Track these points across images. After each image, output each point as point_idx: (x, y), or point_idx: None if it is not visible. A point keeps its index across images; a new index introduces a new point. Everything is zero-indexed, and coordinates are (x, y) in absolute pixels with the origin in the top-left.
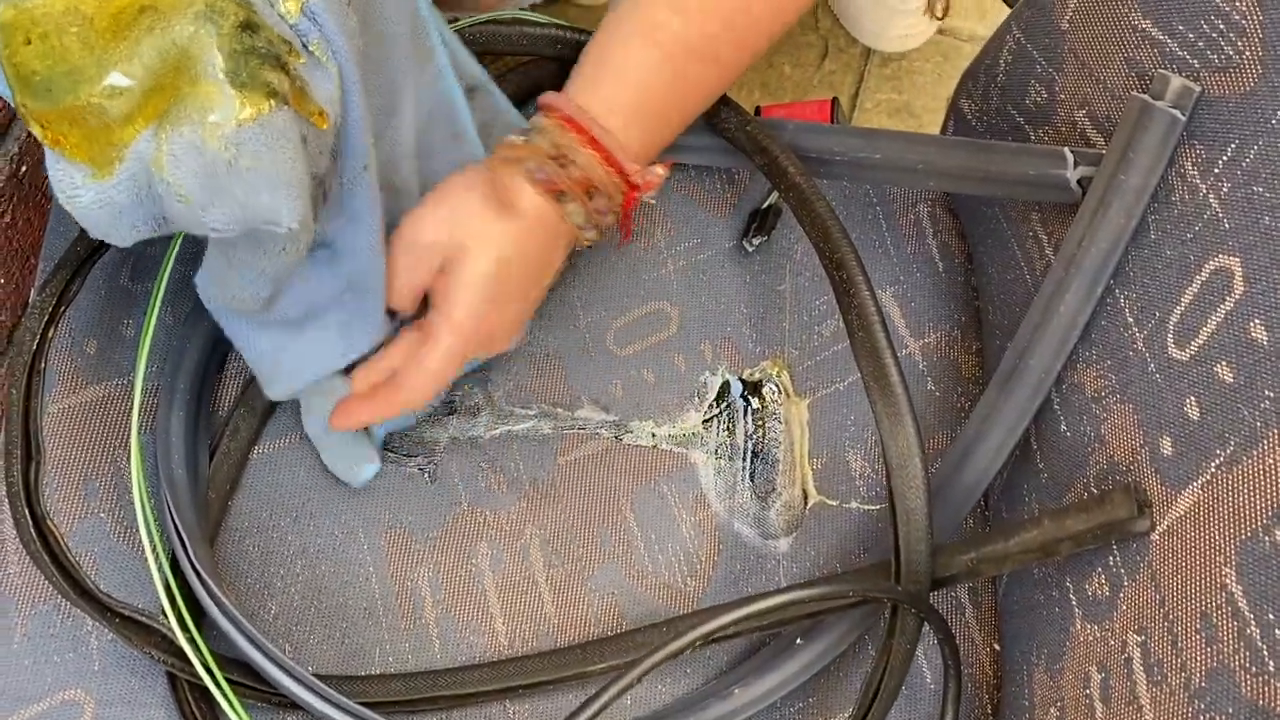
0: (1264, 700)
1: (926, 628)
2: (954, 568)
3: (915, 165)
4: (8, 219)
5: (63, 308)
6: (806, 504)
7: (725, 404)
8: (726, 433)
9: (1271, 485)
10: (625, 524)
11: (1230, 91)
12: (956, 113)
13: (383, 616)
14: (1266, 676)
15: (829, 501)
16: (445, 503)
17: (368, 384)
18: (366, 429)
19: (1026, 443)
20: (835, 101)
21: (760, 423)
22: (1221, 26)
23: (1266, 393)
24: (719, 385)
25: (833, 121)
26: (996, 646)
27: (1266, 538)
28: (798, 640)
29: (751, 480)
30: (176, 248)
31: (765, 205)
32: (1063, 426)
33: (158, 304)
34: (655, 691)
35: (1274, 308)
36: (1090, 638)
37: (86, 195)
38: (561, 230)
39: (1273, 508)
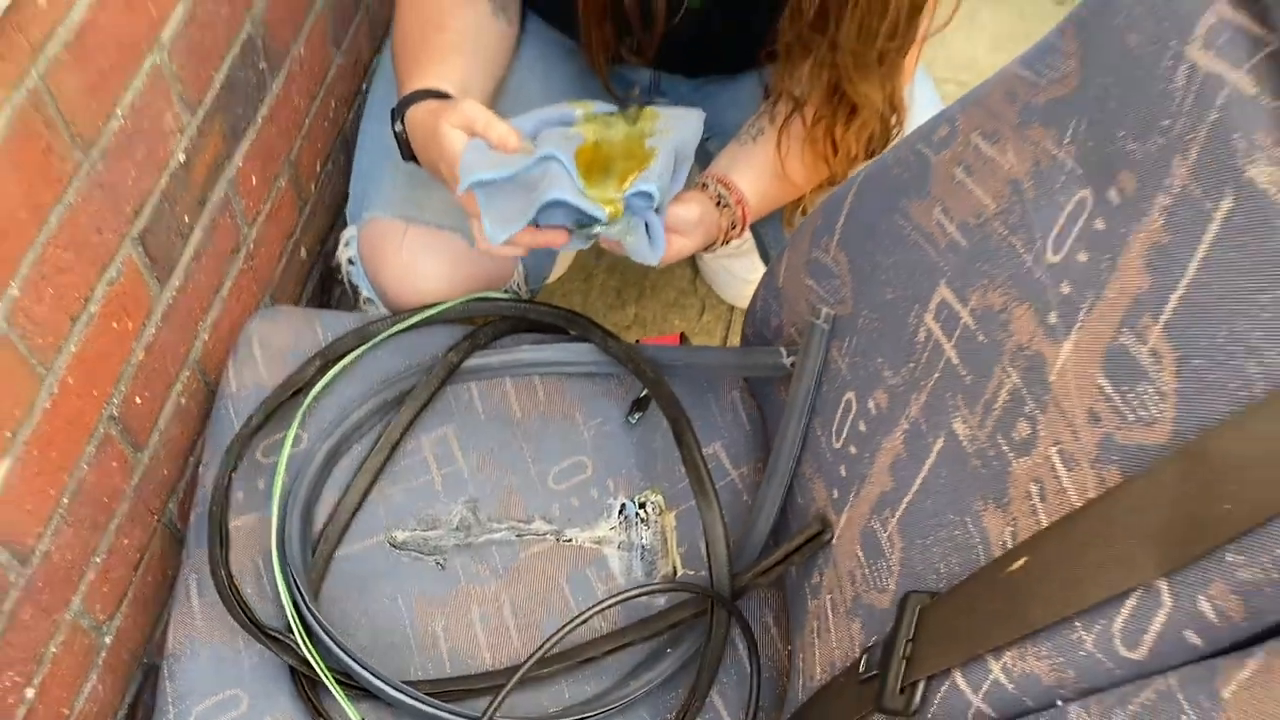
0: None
1: (739, 637)
2: (743, 581)
3: (713, 363)
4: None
5: (230, 474)
6: (675, 575)
7: (624, 517)
8: (625, 535)
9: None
10: (563, 593)
11: (843, 313)
12: (743, 336)
13: (415, 648)
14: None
15: (689, 572)
16: (451, 582)
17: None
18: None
19: (783, 510)
20: (683, 335)
21: (646, 528)
22: (835, 283)
23: (883, 442)
24: (619, 506)
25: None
26: (788, 647)
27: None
28: (668, 650)
29: (642, 562)
30: (287, 448)
31: (641, 395)
32: (798, 500)
33: (282, 470)
34: (582, 689)
35: (868, 413)
36: (819, 610)
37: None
38: (723, 223)
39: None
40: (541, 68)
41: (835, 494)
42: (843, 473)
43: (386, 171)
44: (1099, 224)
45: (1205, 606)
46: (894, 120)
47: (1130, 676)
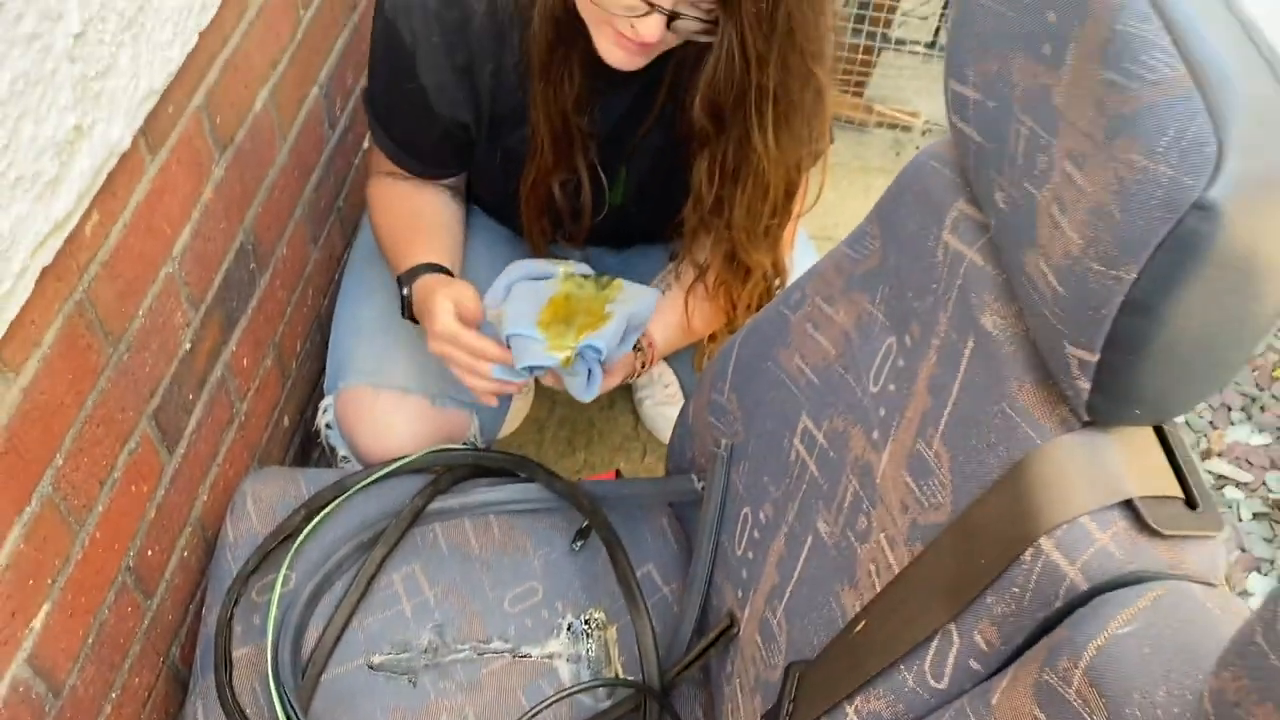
0: None
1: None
2: (670, 676)
3: (640, 493)
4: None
5: (231, 610)
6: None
7: (571, 633)
8: (573, 648)
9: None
10: (520, 702)
11: (738, 442)
12: (666, 468)
13: None
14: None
15: (628, 676)
16: (422, 697)
17: None
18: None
19: (703, 612)
20: (618, 471)
21: (591, 641)
22: (730, 418)
23: (771, 545)
24: (567, 624)
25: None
26: None
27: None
28: None
29: (589, 671)
30: (278, 588)
31: (583, 526)
32: (714, 602)
33: (274, 606)
34: None
35: (760, 522)
36: (732, 694)
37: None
38: (636, 364)
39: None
40: (488, 255)
41: (740, 594)
42: (744, 575)
43: (359, 346)
44: (900, 362)
45: (979, 639)
46: (777, 282)
47: (940, 703)
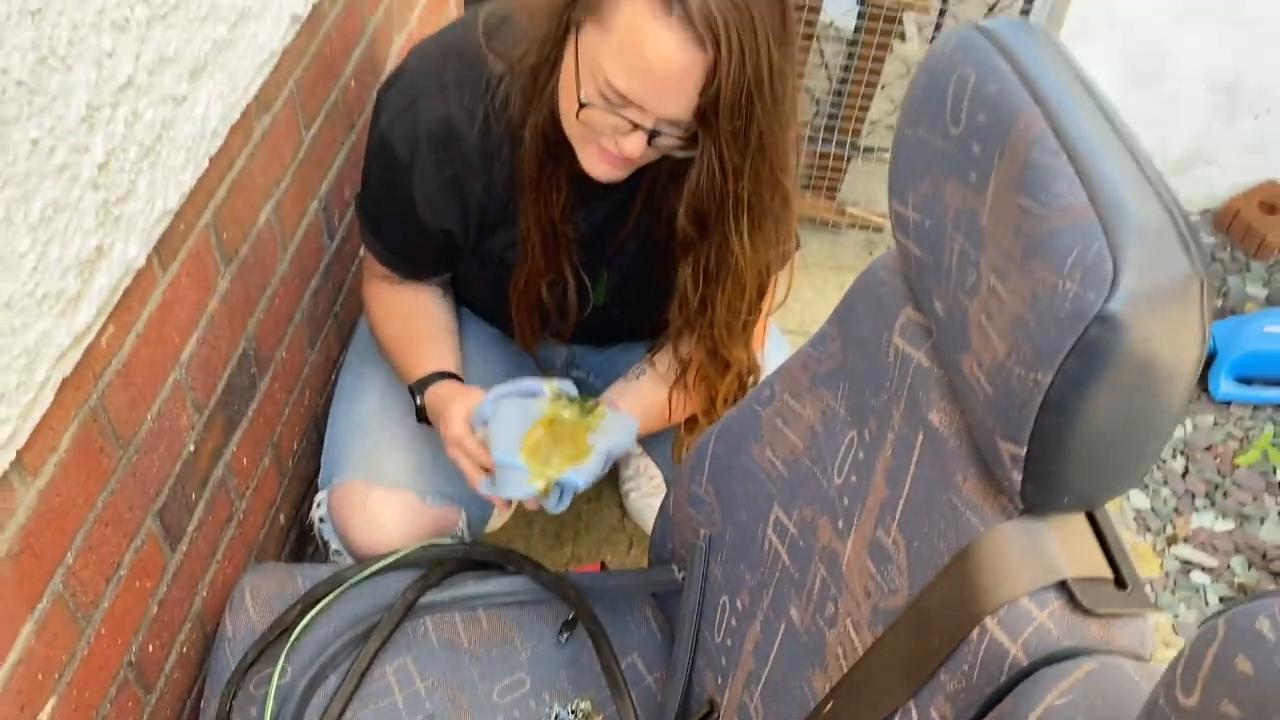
0: None
1: None
2: None
3: (624, 583)
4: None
5: (230, 703)
6: None
7: None
8: None
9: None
10: None
11: (715, 533)
12: (648, 559)
13: None
14: None
15: None
16: None
17: None
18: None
19: (685, 699)
20: (603, 564)
21: None
22: (708, 509)
23: (747, 633)
24: (554, 715)
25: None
26: None
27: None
28: None
29: None
30: (275, 681)
31: (570, 617)
32: (695, 689)
33: (271, 700)
34: None
35: (737, 610)
36: None
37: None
38: None
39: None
40: (481, 356)
41: (719, 680)
42: (723, 662)
43: (353, 442)
44: (861, 454)
45: (935, 715)
46: (751, 379)
47: None
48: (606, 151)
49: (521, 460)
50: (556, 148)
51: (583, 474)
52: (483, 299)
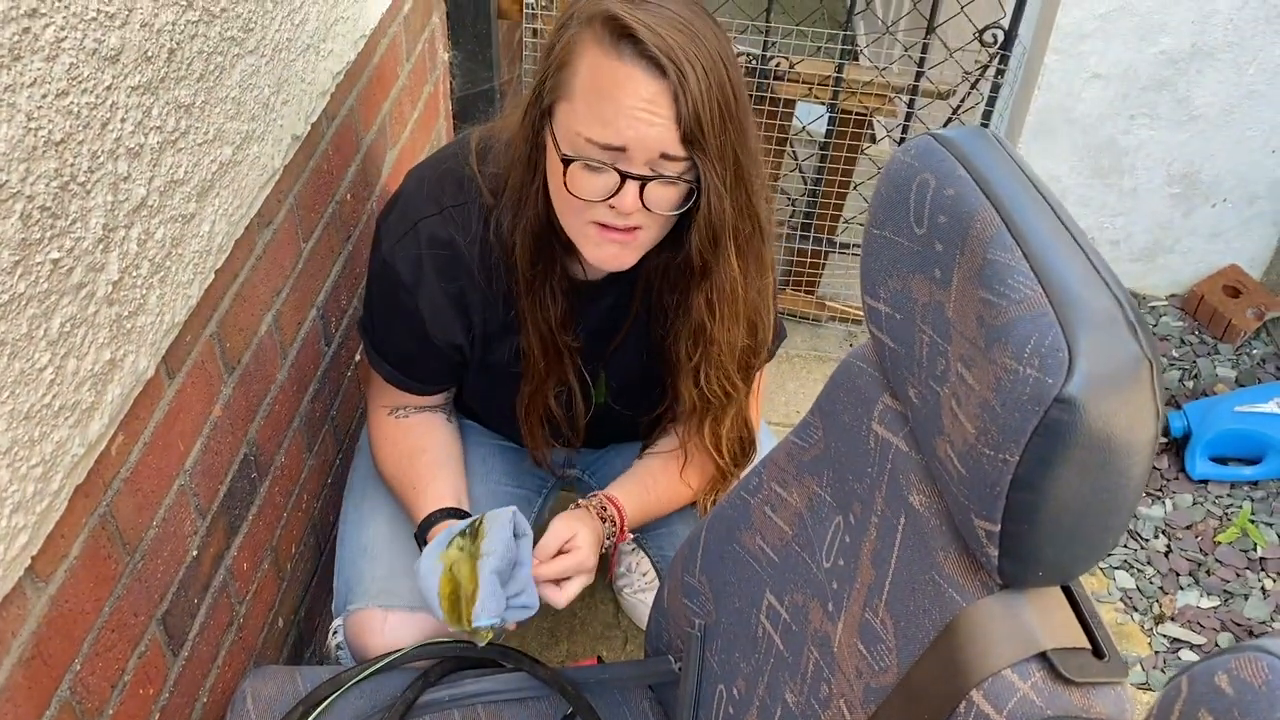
0: None
1: None
2: None
3: (620, 676)
4: None
5: None
6: None
7: None
8: None
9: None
10: None
11: (710, 622)
12: (644, 651)
13: None
14: None
15: None
16: None
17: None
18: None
19: None
20: (600, 657)
21: None
22: (702, 599)
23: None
24: None
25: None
26: None
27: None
28: None
29: None
30: None
31: (568, 713)
32: None
33: None
34: None
35: (734, 698)
36: None
37: None
38: (602, 535)
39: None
40: (481, 468)
41: None
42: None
43: (365, 569)
44: (847, 538)
45: None
46: (749, 439)
47: None
48: (607, 229)
49: (443, 614)
50: (548, 247)
51: (484, 611)
52: (490, 412)
